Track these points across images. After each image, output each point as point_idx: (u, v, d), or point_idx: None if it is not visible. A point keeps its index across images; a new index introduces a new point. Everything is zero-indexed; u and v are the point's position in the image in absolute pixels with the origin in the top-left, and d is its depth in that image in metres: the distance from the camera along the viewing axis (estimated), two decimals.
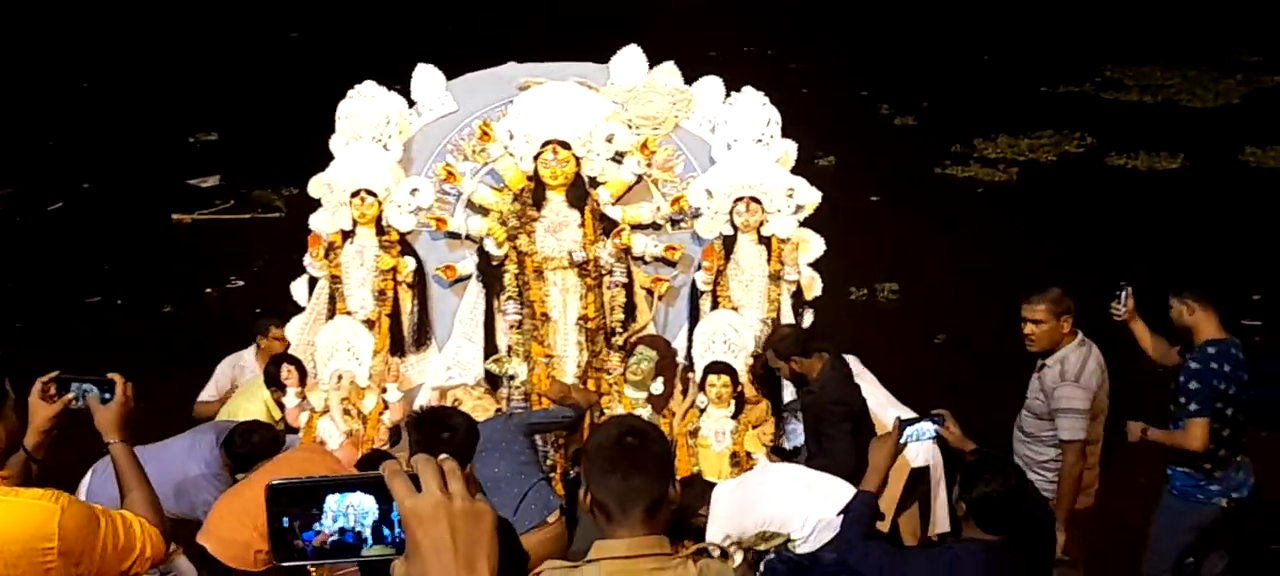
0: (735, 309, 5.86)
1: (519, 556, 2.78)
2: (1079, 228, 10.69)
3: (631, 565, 2.42)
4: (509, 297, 5.88)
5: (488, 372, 5.92)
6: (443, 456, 1.47)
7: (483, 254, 5.96)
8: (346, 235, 5.97)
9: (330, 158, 6.03)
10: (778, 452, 5.65)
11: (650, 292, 6.01)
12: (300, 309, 6.14)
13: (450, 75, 6.23)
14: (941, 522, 5.33)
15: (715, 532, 4.65)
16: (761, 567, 4.78)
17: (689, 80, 6.12)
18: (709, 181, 5.88)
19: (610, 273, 5.89)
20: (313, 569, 3.65)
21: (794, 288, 5.93)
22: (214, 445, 5.09)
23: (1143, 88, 15.31)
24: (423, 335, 6.04)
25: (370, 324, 5.92)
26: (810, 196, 5.89)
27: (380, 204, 5.90)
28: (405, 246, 5.99)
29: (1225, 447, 4.90)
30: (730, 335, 5.79)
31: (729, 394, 5.61)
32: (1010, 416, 5.39)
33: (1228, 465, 4.93)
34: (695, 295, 5.97)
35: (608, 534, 2.49)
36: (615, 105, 5.97)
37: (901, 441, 4.11)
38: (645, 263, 6.04)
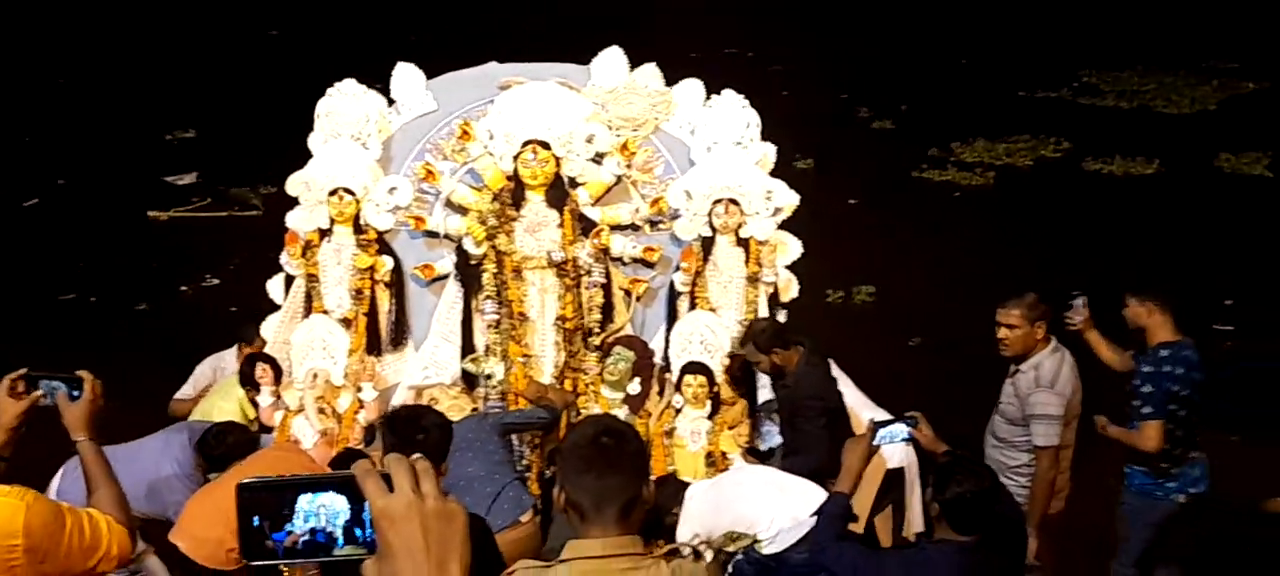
0: (713, 310, 5.88)
1: (493, 557, 2.78)
2: (1055, 232, 10.76)
3: (605, 565, 2.43)
4: (487, 297, 5.88)
5: (464, 372, 5.91)
6: (415, 456, 1.47)
7: (461, 253, 5.95)
8: (324, 233, 5.95)
9: (308, 155, 6.01)
10: (753, 453, 5.67)
11: (628, 293, 6.02)
12: (276, 307, 6.12)
13: (430, 74, 6.22)
14: (916, 523, 5.35)
15: (686, 532, 4.66)
16: (729, 569, 4.79)
17: (670, 82, 6.13)
18: (688, 183, 5.90)
19: (588, 273, 5.90)
20: (284, 568, 3.64)
21: (771, 289, 5.96)
22: (186, 445, 5.06)
23: (1119, 93, 15.41)
24: (400, 334, 6.03)
25: (347, 322, 5.90)
26: (788, 199, 5.91)
27: (358, 202, 5.89)
28: (383, 245, 5.98)
29: (1180, 446, 5.00)
30: (707, 336, 5.81)
31: (705, 394, 5.63)
32: (985, 419, 5.42)
33: (1183, 462, 5.02)
34: (673, 296, 5.98)
35: (582, 533, 2.49)
36: (596, 106, 5.97)
37: (874, 443, 4.14)
38: (624, 263, 6.04)
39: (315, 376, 5.75)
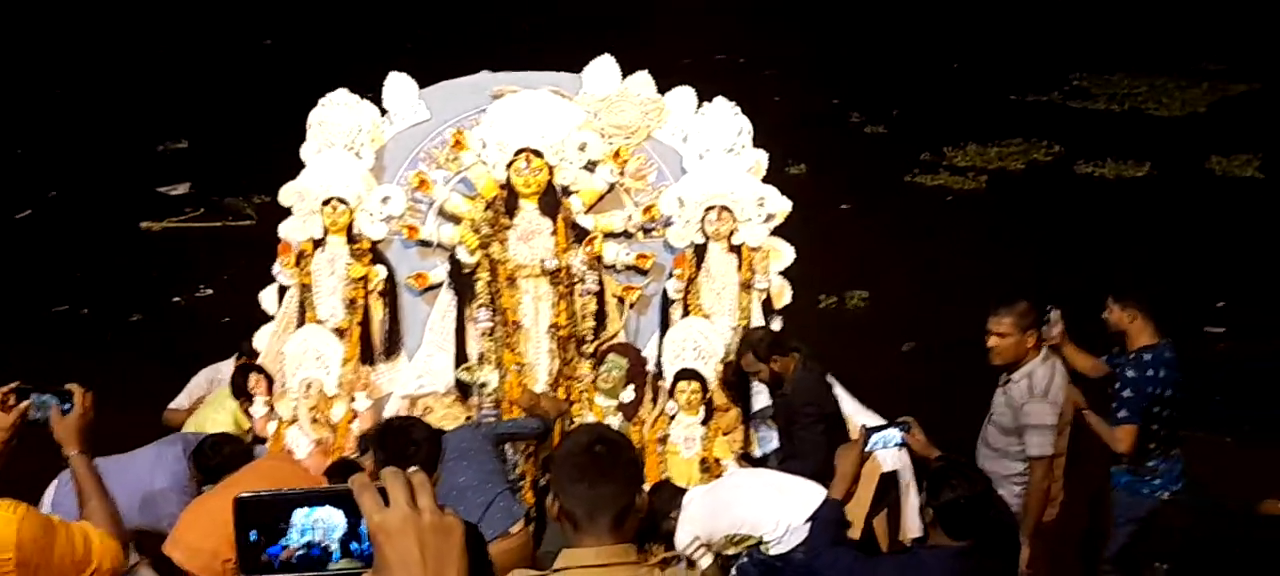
0: (706, 317, 5.89)
1: (488, 568, 2.78)
2: (1048, 235, 10.78)
3: (599, 573, 2.43)
4: (481, 305, 5.88)
5: (458, 381, 5.92)
6: (412, 469, 1.47)
7: (454, 262, 5.96)
8: (317, 243, 5.95)
9: (301, 165, 6.01)
10: (747, 459, 5.68)
11: (621, 301, 6.03)
12: (269, 317, 6.12)
13: (423, 83, 6.22)
14: (913, 527, 5.34)
15: (685, 535, 4.66)
16: (733, 572, 4.80)
17: (662, 88, 6.14)
18: (681, 190, 5.92)
19: (582, 281, 5.90)
20: None
21: (764, 296, 5.97)
22: (181, 456, 5.05)
23: (1109, 96, 15.45)
24: (393, 343, 6.03)
25: (340, 332, 5.90)
26: (780, 205, 5.93)
27: (351, 212, 5.89)
28: (376, 254, 5.98)
29: (1162, 444, 5.11)
30: (700, 342, 5.82)
31: (699, 400, 5.64)
32: (979, 424, 5.41)
33: (1166, 460, 5.13)
34: (666, 303, 5.99)
35: (575, 542, 2.49)
36: (588, 114, 5.98)
37: (867, 449, 4.15)
38: (617, 271, 6.05)
39: (309, 386, 5.75)
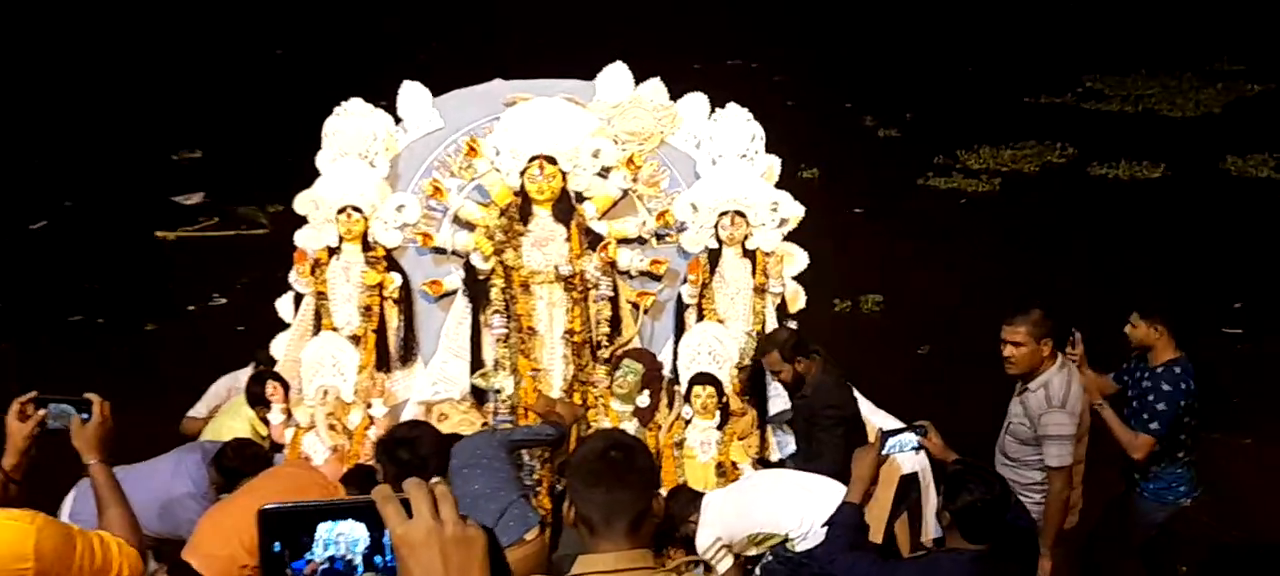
0: (720, 321, 5.89)
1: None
2: (1062, 238, 10.75)
3: None
4: (495, 312, 5.89)
5: (474, 387, 5.92)
6: (434, 480, 1.47)
7: (469, 269, 5.97)
8: (332, 251, 5.97)
9: (316, 174, 6.04)
10: (763, 463, 5.67)
11: (636, 306, 6.03)
12: (283, 325, 6.14)
13: (436, 92, 6.24)
14: (932, 529, 5.33)
15: (707, 537, 4.66)
16: (757, 571, 4.80)
17: (674, 94, 6.15)
18: (694, 196, 5.92)
19: (596, 286, 5.91)
20: None
21: (778, 300, 5.97)
22: (200, 464, 5.07)
23: (1124, 98, 15.41)
24: (409, 350, 6.04)
25: (356, 339, 5.92)
26: (794, 210, 5.93)
27: (366, 220, 5.91)
28: (391, 262, 6.00)
29: (1187, 452, 5.13)
30: (715, 347, 5.82)
31: (714, 405, 5.64)
32: (996, 426, 5.38)
33: (1189, 468, 5.16)
34: (680, 308, 5.99)
35: (591, 548, 2.49)
36: (601, 121, 5.99)
37: (883, 452, 4.15)
38: (631, 276, 6.06)
39: (325, 393, 5.76)
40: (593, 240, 5.92)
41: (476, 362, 5.95)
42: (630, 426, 5.69)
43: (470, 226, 5.99)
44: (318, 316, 5.99)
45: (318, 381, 5.81)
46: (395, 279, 5.98)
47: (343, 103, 6.09)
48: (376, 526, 1.44)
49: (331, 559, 1.45)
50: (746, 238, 5.88)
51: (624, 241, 5.99)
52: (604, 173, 5.96)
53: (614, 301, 5.94)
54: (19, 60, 17.17)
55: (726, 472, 5.56)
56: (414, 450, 4.23)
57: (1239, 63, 16.23)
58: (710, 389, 5.65)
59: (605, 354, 5.90)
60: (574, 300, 5.89)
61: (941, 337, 8.66)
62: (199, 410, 6.26)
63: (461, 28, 18.13)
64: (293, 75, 16.21)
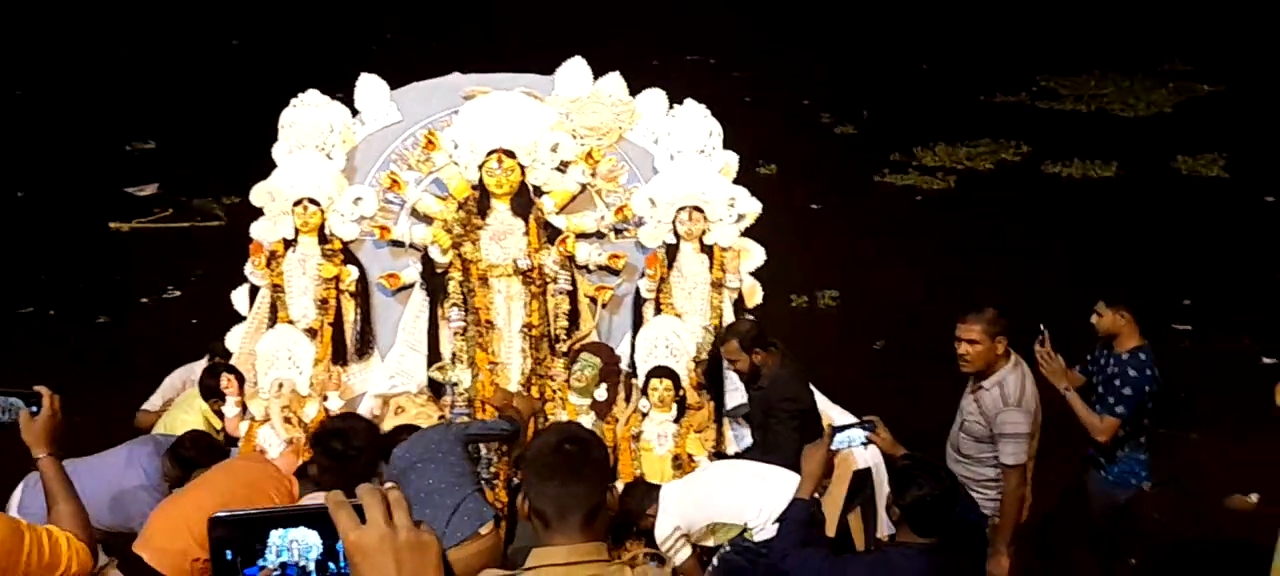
0: (678, 316, 5.92)
1: None
2: (1016, 235, 10.88)
3: (569, 572, 2.44)
4: (453, 305, 5.88)
5: (431, 380, 5.91)
6: (387, 485, 1.48)
7: (427, 262, 5.95)
8: (289, 244, 5.93)
9: (272, 165, 5.99)
10: (719, 457, 5.70)
11: (594, 300, 6.04)
12: (238, 318, 6.09)
13: (393, 85, 6.21)
14: (887, 523, 5.39)
15: (666, 526, 4.69)
16: (715, 561, 4.82)
17: (633, 89, 6.16)
18: (652, 191, 5.94)
19: (554, 280, 5.91)
20: None
21: (735, 295, 6.00)
22: (152, 456, 5.04)
23: (1077, 97, 15.61)
24: (365, 343, 6.02)
25: (312, 332, 5.88)
26: (751, 206, 5.96)
27: (323, 212, 5.87)
28: (348, 255, 5.97)
29: (1148, 437, 5.27)
30: (672, 341, 5.84)
31: (671, 398, 5.67)
32: (951, 420, 5.42)
33: (1148, 453, 5.29)
34: (638, 303, 6.01)
35: (546, 541, 2.50)
36: (560, 115, 5.99)
37: (832, 448, 4.17)
38: (589, 271, 6.07)
39: (281, 386, 5.72)
40: (551, 234, 5.92)
41: (434, 356, 5.94)
42: (588, 420, 5.70)
43: (428, 220, 5.98)
44: (273, 309, 5.94)
45: (273, 374, 5.77)
46: (352, 272, 5.95)
47: (299, 94, 6.05)
48: (330, 533, 1.43)
49: (284, 565, 1.45)
50: (704, 233, 5.91)
51: (582, 236, 6.00)
52: (562, 167, 5.97)
53: (572, 295, 5.94)
54: None
55: (683, 465, 5.58)
56: (347, 442, 4.19)
57: (1190, 64, 16.48)
58: (667, 382, 5.67)
59: (563, 348, 5.90)
60: (532, 294, 5.89)
61: (897, 333, 8.74)
62: (153, 403, 6.22)
63: (419, 21, 18.03)
64: (248, 66, 16.05)
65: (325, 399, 5.77)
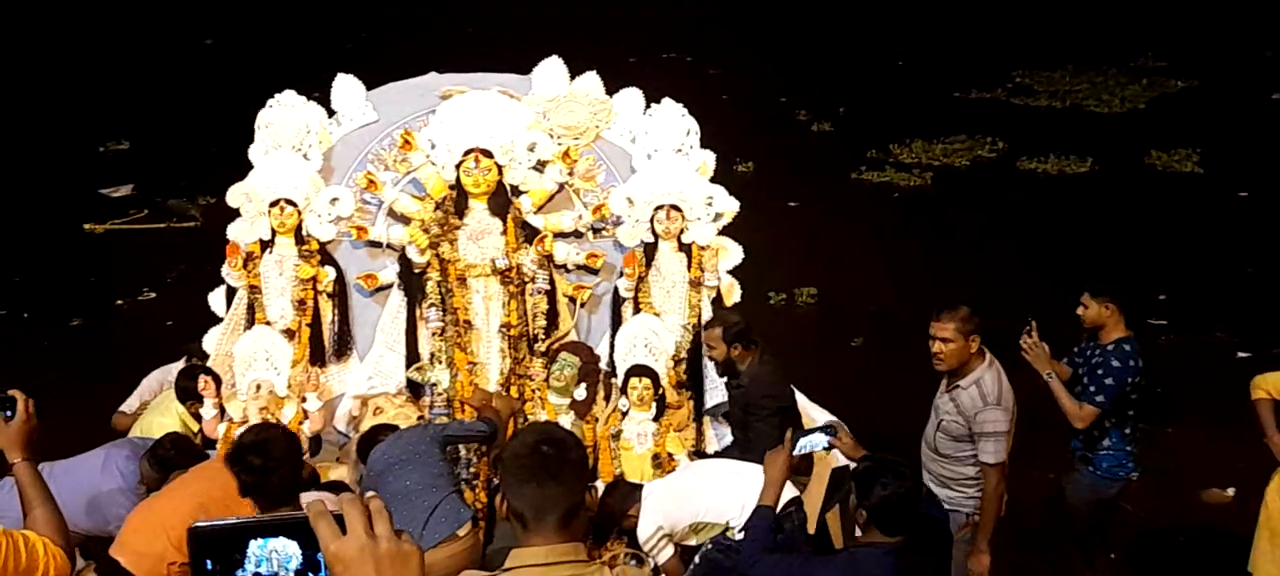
0: (656, 315, 5.92)
1: None
2: (992, 230, 10.94)
3: (548, 572, 2.45)
4: (431, 305, 5.87)
5: (410, 381, 5.90)
6: (369, 495, 1.48)
7: (405, 262, 5.94)
8: (266, 245, 5.91)
9: (248, 166, 5.96)
10: (699, 455, 5.71)
11: (572, 300, 6.04)
12: (214, 319, 6.06)
13: (370, 85, 6.20)
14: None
15: (648, 526, 4.68)
16: (696, 559, 4.83)
17: (610, 89, 6.16)
18: (630, 190, 5.94)
19: (533, 280, 5.91)
20: None
21: (714, 294, 6.01)
22: (129, 459, 5.00)
23: (1051, 93, 15.72)
24: (343, 344, 6.00)
25: (290, 333, 5.86)
26: (729, 205, 5.97)
27: (300, 213, 5.85)
28: (325, 256, 5.95)
29: (1134, 427, 5.27)
30: (651, 339, 5.84)
31: (651, 397, 5.66)
32: (927, 418, 5.43)
33: (1135, 443, 5.30)
34: (617, 302, 6.01)
35: (524, 542, 2.51)
36: (537, 115, 5.99)
37: (794, 453, 4.16)
38: (567, 270, 6.06)
39: (258, 388, 5.69)
40: (529, 234, 5.92)
41: (412, 356, 5.93)
42: (567, 419, 5.70)
43: (406, 220, 5.96)
44: (251, 310, 5.92)
45: (251, 376, 5.74)
46: (329, 272, 5.93)
47: (276, 95, 6.02)
48: (310, 543, 1.43)
49: None
50: (682, 231, 5.91)
51: (560, 235, 6.00)
52: (540, 166, 5.97)
53: (550, 295, 5.94)
54: None
55: (663, 464, 5.59)
56: (266, 454, 4.02)
57: (1163, 60, 16.61)
58: (646, 381, 5.66)
59: (542, 347, 5.90)
60: (510, 294, 5.89)
61: (875, 329, 8.77)
62: (130, 405, 6.17)
63: (395, 21, 17.96)
64: (223, 66, 15.96)
65: (303, 401, 5.74)
